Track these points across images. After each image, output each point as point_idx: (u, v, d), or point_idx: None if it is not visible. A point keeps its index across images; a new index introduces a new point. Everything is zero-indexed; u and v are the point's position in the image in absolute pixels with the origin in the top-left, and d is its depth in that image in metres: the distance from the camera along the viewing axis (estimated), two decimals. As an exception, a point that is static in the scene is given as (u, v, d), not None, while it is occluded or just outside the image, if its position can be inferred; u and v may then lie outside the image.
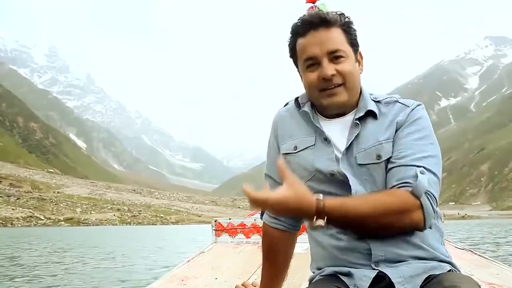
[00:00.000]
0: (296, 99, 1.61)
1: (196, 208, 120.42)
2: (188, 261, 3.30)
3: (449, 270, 1.39)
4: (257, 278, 1.94)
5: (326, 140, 1.48)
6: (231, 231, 4.31)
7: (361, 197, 1.36)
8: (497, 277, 2.48)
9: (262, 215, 1.73)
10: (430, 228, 1.39)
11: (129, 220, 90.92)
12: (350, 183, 1.40)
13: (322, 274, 1.46)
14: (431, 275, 1.32)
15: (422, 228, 1.35)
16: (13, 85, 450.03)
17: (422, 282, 1.30)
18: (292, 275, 2.51)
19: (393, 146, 1.42)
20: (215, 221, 4.40)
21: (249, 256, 3.52)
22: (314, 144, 1.50)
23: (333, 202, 1.27)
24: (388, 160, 1.41)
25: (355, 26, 1.47)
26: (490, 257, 3.24)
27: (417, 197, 1.31)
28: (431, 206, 1.32)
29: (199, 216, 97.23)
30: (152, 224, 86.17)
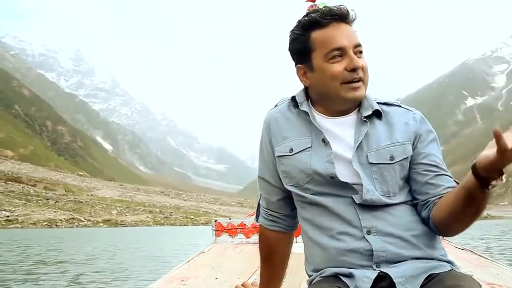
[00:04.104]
0: (293, 97, 1.56)
1: (224, 210, 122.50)
2: (188, 261, 3.29)
3: (449, 270, 1.37)
4: (257, 278, 1.95)
5: (324, 141, 1.45)
6: (231, 231, 4.34)
7: None
8: (497, 277, 2.49)
9: (257, 217, 1.71)
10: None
11: (162, 222, 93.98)
12: (362, 182, 1.39)
13: (322, 275, 1.42)
14: (431, 274, 1.32)
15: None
16: (41, 89, 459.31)
17: (423, 282, 1.30)
18: (292, 275, 2.49)
19: (415, 151, 1.45)
20: (215, 221, 4.44)
21: (249, 256, 3.53)
22: (311, 146, 1.47)
23: None
24: (401, 162, 1.43)
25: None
26: (490, 257, 3.27)
27: None
28: None
29: (227, 218, 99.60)
30: (184, 225, 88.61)
